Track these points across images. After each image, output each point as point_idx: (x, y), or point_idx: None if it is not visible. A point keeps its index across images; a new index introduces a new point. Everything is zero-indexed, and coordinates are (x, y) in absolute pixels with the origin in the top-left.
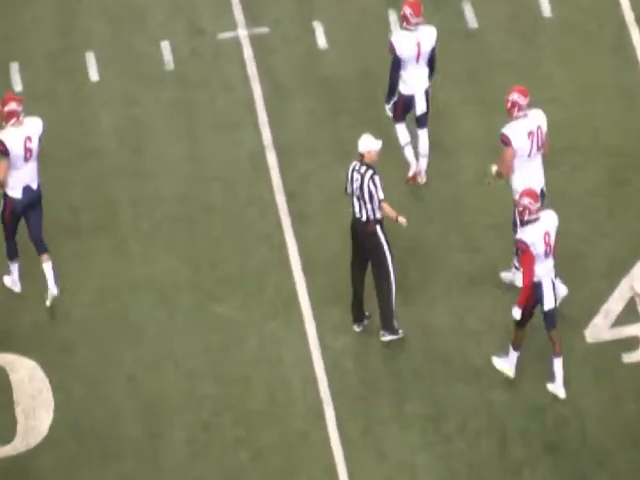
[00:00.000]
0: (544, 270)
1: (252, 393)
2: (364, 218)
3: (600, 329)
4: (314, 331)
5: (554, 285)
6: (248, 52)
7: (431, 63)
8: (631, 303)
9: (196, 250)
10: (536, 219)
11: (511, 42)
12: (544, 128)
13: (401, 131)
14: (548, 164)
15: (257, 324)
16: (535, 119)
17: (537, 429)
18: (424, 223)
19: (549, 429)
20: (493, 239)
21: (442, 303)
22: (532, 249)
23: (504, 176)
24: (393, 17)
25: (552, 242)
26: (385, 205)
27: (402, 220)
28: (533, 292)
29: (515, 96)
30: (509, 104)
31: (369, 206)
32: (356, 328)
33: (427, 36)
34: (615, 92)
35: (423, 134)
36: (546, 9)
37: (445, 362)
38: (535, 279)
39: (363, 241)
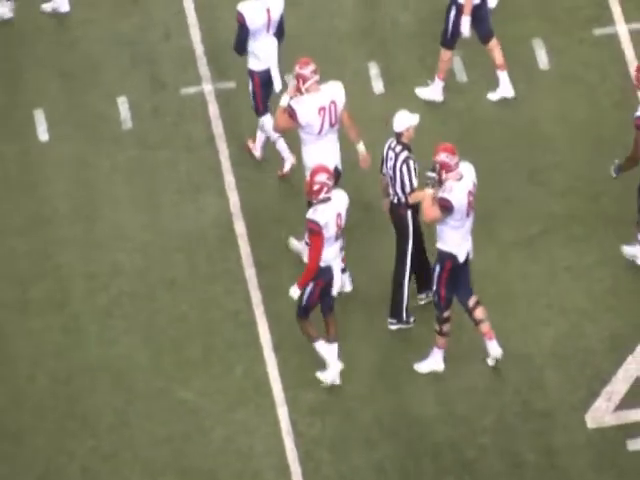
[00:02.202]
0: (333, 253)
1: None
2: (395, 200)
3: (603, 413)
4: (286, 417)
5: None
6: (214, 109)
7: (280, 30)
8: (636, 384)
9: (157, 329)
10: (329, 199)
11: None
12: (339, 104)
13: (268, 123)
14: (548, 234)
15: (224, 410)
16: (329, 94)
17: None
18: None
19: None
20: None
21: (429, 388)
22: (324, 231)
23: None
24: (374, 71)
25: (342, 224)
26: (416, 195)
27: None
28: (322, 276)
29: (304, 69)
30: (300, 80)
31: (399, 189)
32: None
33: (275, 1)
34: (620, 151)
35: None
36: (543, 61)
37: (434, 455)
38: (323, 263)
39: (394, 222)
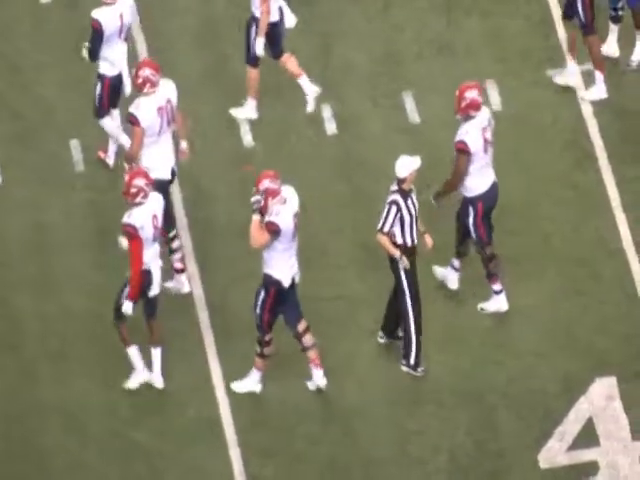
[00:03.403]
0: (152, 255)
1: None
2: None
3: (555, 453)
4: (239, 458)
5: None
6: None
7: (127, 35)
8: (589, 424)
9: (111, 370)
10: (143, 203)
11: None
12: (174, 102)
13: (110, 126)
14: (502, 274)
15: (177, 451)
16: (164, 94)
17: None
18: (362, 339)
19: None
20: (436, 352)
21: (382, 428)
22: (141, 233)
23: (134, 157)
24: (327, 113)
25: (159, 225)
26: (382, 237)
27: (404, 261)
28: (143, 279)
29: (147, 72)
30: (139, 80)
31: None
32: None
33: (127, 7)
34: (571, 194)
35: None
36: (495, 102)
37: None
38: (143, 266)
39: (389, 261)
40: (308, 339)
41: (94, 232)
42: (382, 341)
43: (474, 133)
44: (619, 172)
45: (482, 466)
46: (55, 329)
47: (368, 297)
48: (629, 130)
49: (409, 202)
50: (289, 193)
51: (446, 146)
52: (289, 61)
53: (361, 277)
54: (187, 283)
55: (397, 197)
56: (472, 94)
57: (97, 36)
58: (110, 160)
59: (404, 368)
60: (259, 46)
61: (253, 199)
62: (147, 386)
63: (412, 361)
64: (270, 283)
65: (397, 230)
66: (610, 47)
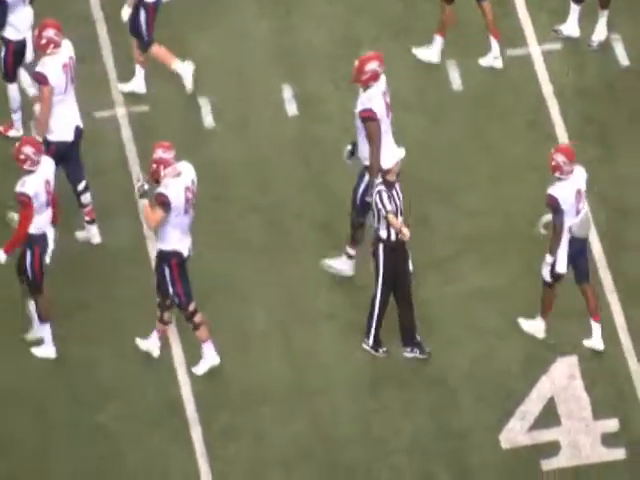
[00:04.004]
0: (45, 220)
1: None
2: (374, 235)
3: (516, 433)
4: (200, 439)
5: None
6: (127, 133)
7: None
8: (550, 404)
9: (70, 354)
10: (35, 170)
11: (419, 120)
12: (74, 58)
13: (14, 92)
14: (463, 256)
15: (139, 434)
16: (66, 52)
17: None
18: (322, 321)
19: None
20: (398, 333)
21: (344, 408)
22: (34, 201)
23: (45, 122)
24: (287, 93)
25: (52, 189)
26: (390, 216)
27: (405, 231)
28: (38, 242)
29: (50, 32)
30: (43, 40)
31: (376, 222)
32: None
33: None
34: (532, 174)
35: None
36: (456, 83)
37: (348, 476)
38: (37, 230)
39: (372, 254)
40: (198, 317)
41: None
42: (410, 355)
43: (377, 99)
44: (580, 152)
45: (443, 446)
46: (14, 312)
47: (328, 280)
48: (590, 110)
49: (393, 192)
50: (185, 168)
51: (404, 128)
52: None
53: (321, 258)
54: (98, 234)
55: (382, 187)
56: (372, 66)
57: (1, 4)
58: (18, 131)
59: (365, 346)
60: (125, 13)
61: (137, 185)
62: (108, 369)
63: (371, 341)
64: (169, 256)
65: (382, 224)
66: (570, 27)
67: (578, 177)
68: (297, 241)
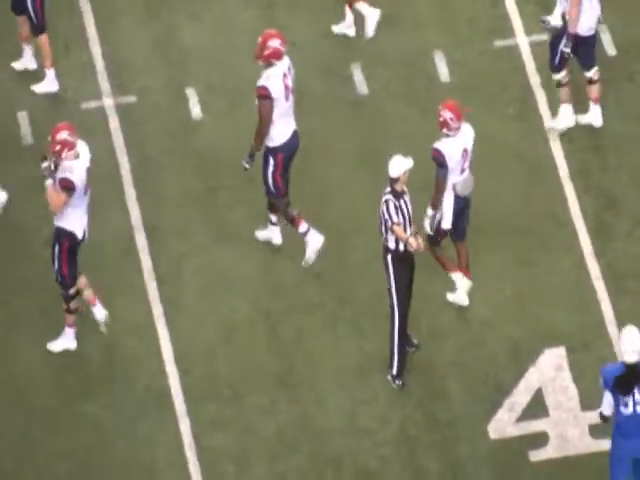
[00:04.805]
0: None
1: None
2: (382, 245)
3: (505, 424)
4: (188, 430)
5: None
6: (114, 123)
7: None
8: (538, 395)
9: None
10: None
11: (406, 110)
12: None
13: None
14: (451, 246)
15: (126, 424)
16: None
17: None
18: (312, 310)
19: None
20: (385, 322)
21: (331, 398)
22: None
23: None
24: None
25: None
26: (395, 228)
27: (412, 242)
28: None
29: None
30: None
31: (384, 232)
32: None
33: None
34: (520, 164)
35: None
36: (444, 72)
37: (336, 467)
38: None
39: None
40: (74, 305)
41: (42, 206)
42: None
43: (275, 79)
44: (567, 142)
45: (431, 437)
46: (4, 303)
47: (316, 269)
48: (577, 100)
49: (402, 203)
50: (82, 148)
51: (392, 118)
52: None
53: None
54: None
55: (389, 197)
56: (275, 43)
57: None
58: None
59: (388, 377)
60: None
61: (43, 165)
62: (95, 358)
63: (394, 371)
64: (63, 236)
65: (389, 235)
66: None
67: (466, 135)
68: (285, 229)
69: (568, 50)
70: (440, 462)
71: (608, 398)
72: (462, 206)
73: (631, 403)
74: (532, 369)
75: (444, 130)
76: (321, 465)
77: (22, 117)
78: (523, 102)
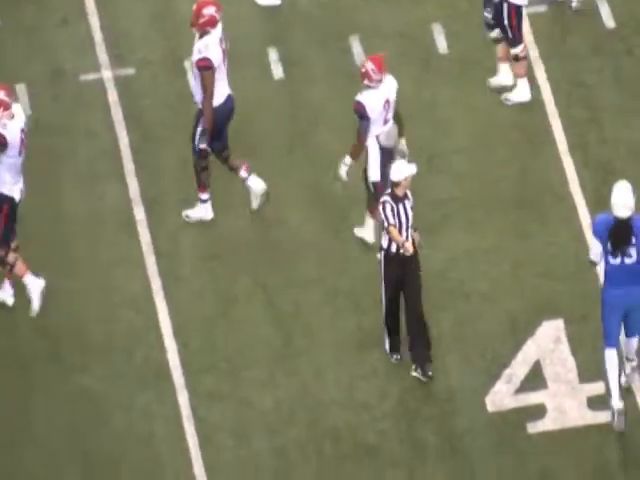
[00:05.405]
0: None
1: (120, 474)
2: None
3: (503, 396)
4: (187, 402)
5: None
6: (113, 95)
7: None
8: (536, 367)
9: (57, 316)
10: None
11: (403, 81)
12: None
13: None
14: (449, 219)
15: (124, 396)
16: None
17: None
18: (310, 283)
19: None
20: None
21: (329, 372)
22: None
23: None
24: (273, 55)
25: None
26: (391, 229)
27: (408, 247)
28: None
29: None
30: None
31: (381, 232)
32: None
33: None
34: (519, 136)
35: None
36: (442, 45)
37: (334, 440)
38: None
39: None
40: (11, 258)
41: (41, 177)
42: (414, 374)
43: (214, 47)
44: (566, 115)
45: (429, 410)
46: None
47: (314, 243)
48: (577, 73)
49: (400, 207)
50: (18, 110)
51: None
52: None
53: (308, 220)
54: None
55: (387, 198)
56: (210, 10)
57: None
58: None
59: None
60: None
61: None
62: (94, 331)
63: (386, 345)
64: (3, 201)
65: (384, 233)
66: None
67: (388, 87)
68: (284, 201)
69: (488, 15)
70: (438, 435)
71: (597, 246)
72: (387, 157)
73: (619, 254)
74: (530, 341)
75: (365, 81)
76: (319, 437)
77: (21, 89)
78: None
